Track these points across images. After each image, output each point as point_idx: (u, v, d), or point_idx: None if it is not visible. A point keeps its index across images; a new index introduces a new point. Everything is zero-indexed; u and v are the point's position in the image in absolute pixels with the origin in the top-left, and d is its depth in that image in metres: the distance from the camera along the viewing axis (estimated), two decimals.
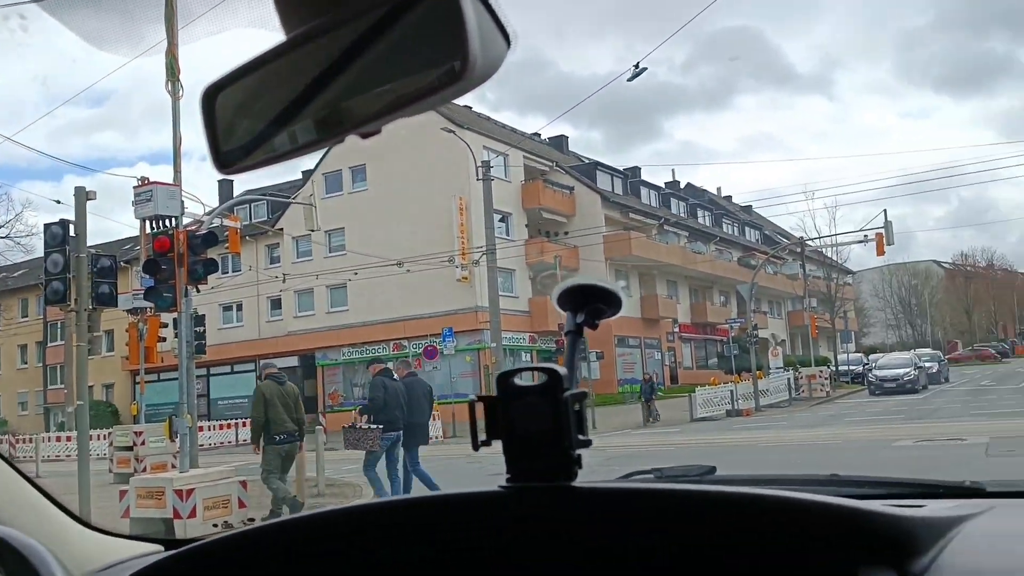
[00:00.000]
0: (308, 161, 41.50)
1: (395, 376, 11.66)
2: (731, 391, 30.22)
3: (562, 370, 0.99)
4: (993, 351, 61.96)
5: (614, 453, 15.99)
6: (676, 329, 48.38)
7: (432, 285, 36.19)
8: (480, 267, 33.15)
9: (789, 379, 34.62)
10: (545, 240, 41.85)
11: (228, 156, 0.76)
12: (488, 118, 46.33)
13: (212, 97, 0.77)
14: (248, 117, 0.76)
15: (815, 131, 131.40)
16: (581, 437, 0.98)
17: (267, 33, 0.73)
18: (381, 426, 11.04)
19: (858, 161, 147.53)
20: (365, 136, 0.73)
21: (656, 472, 1.71)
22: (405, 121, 0.72)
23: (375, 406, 11.26)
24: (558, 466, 0.98)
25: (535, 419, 0.97)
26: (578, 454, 0.98)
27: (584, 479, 0.99)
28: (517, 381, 1.00)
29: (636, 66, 19.97)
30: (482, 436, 1.01)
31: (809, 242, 51.12)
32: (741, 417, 28.28)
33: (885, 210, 40.87)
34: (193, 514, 9.31)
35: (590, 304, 1.09)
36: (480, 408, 1.02)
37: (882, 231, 34.95)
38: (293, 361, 38.80)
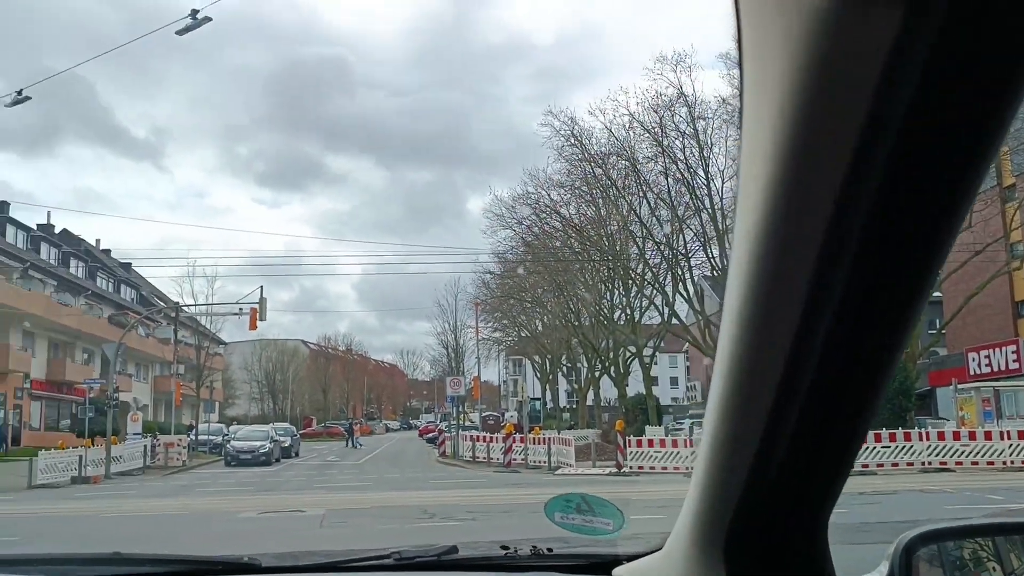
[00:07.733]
0: None
1: None
2: (80, 456, 28.09)
3: None
4: (343, 428, 67.23)
5: None
6: (27, 385, 43.84)
7: None
8: None
9: (146, 446, 33.40)
10: None
11: None
12: None
13: None
14: None
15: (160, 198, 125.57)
16: None
17: None
18: None
19: (237, 235, 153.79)
20: None
21: None
22: None
23: None
24: None
25: None
26: None
27: None
28: None
29: None
30: None
31: (185, 308, 50.70)
32: (89, 484, 26.40)
33: (262, 287, 41.14)
34: None
35: None
36: None
37: (256, 306, 36.31)
38: None
